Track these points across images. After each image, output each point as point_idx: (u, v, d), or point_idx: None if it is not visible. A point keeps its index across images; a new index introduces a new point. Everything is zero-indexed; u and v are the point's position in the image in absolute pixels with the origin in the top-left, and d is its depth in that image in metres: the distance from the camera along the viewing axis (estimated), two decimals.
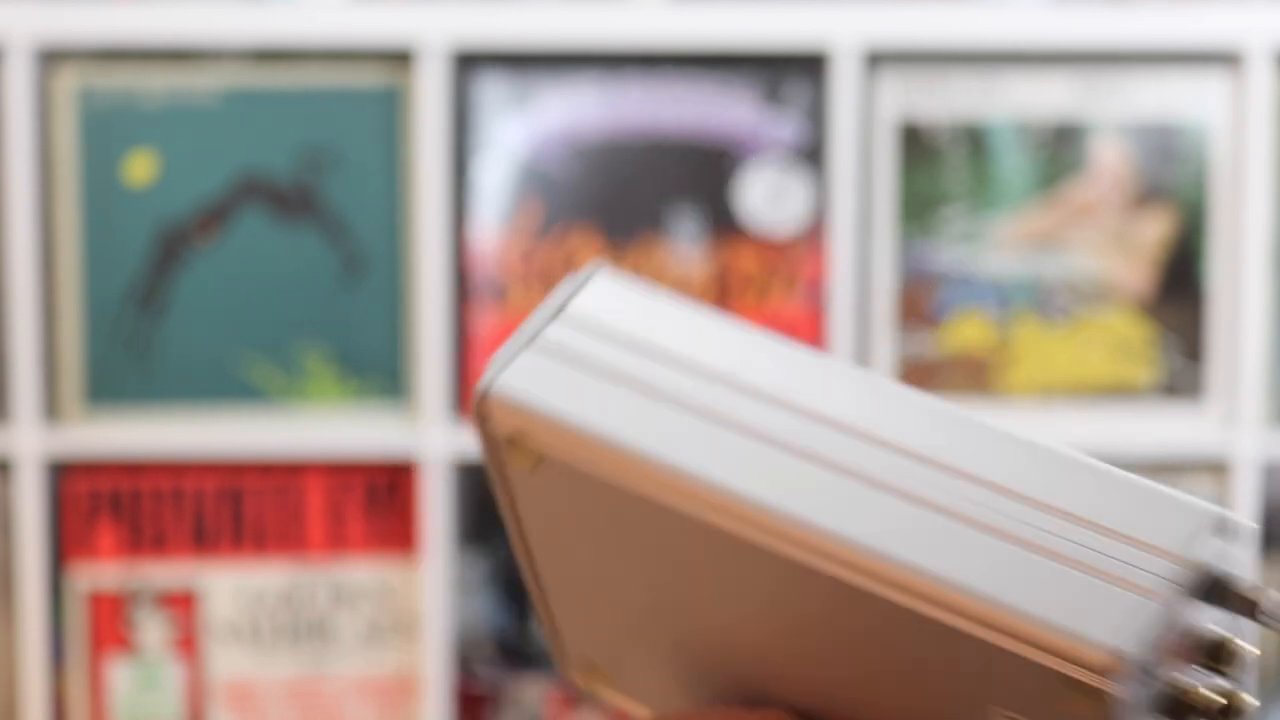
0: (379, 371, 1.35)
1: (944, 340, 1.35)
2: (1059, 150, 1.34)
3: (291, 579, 1.36)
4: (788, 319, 1.32)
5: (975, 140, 1.34)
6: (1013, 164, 1.34)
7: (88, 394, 1.34)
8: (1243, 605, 0.38)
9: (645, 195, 1.34)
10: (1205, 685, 0.37)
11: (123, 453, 1.34)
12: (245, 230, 1.34)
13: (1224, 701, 0.37)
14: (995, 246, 1.35)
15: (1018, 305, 1.35)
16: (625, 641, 0.47)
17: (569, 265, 1.32)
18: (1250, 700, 0.38)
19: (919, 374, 1.35)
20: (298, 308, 1.34)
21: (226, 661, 1.36)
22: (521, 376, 0.38)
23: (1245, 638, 0.38)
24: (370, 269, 1.35)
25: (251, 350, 1.34)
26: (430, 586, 1.34)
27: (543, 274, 1.33)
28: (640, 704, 0.51)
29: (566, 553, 0.41)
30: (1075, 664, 0.35)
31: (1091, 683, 0.35)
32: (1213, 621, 0.38)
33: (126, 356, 1.34)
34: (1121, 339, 1.35)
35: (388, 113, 1.34)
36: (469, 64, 1.33)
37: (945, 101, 1.34)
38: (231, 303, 1.34)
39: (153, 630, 1.36)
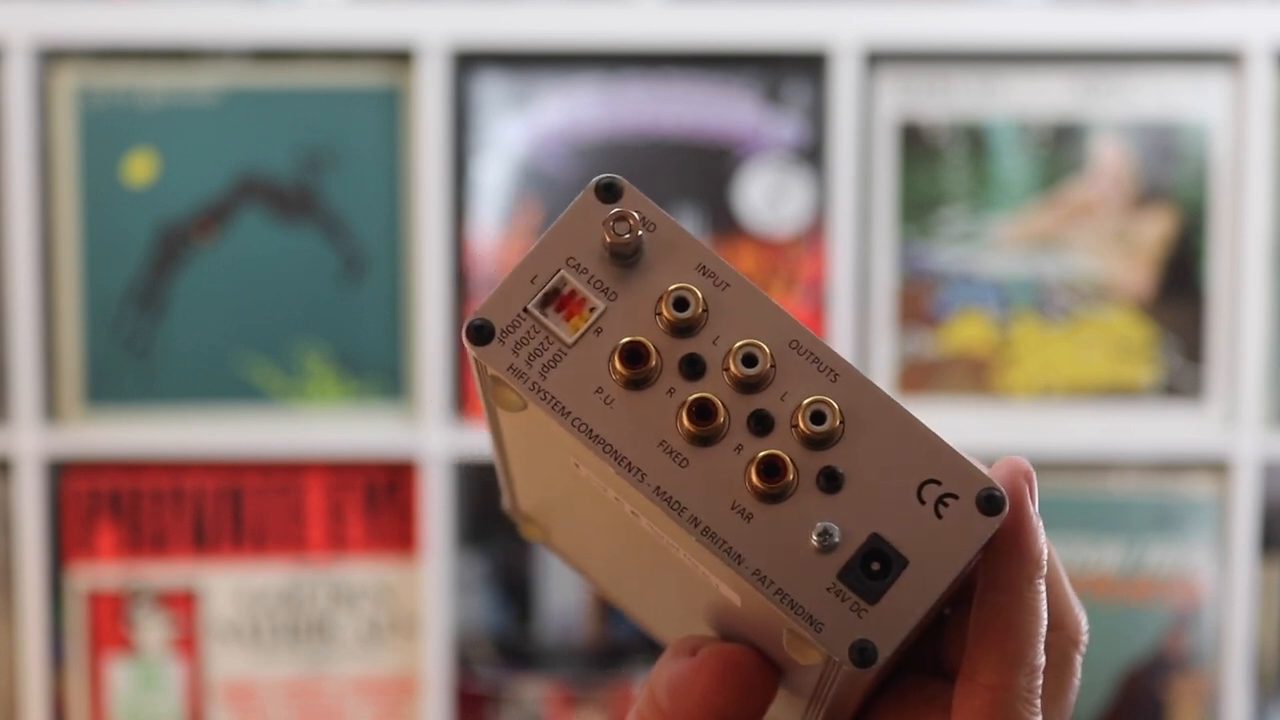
0: (379, 371, 1.35)
1: (944, 340, 1.35)
2: (1059, 150, 1.34)
3: (291, 579, 1.36)
4: None
5: (975, 140, 1.34)
6: (1013, 164, 1.34)
7: (88, 394, 1.34)
8: None
9: (646, 195, 1.34)
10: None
11: (123, 453, 1.34)
12: (245, 230, 1.34)
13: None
14: (995, 246, 1.35)
15: (1018, 305, 1.35)
16: (565, 525, 0.49)
17: None
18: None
19: (919, 374, 1.35)
20: (298, 308, 1.35)
21: (226, 661, 1.36)
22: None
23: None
24: (370, 269, 1.35)
25: (251, 350, 1.34)
26: (430, 586, 1.34)
27: None
28: (567, 560, 0.54)
29: (531, 449, 0.42)
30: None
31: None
32: None
33: (126, 356, 1.34)
34: (1121, 339, 1.35)
35: (388, 113, 1.34)
36: (469, 64, 1.33)
37: (945, 101, 1.34)
38: (231, 303, 1.34)
39: (153, 630, 1.36)
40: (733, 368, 0.36)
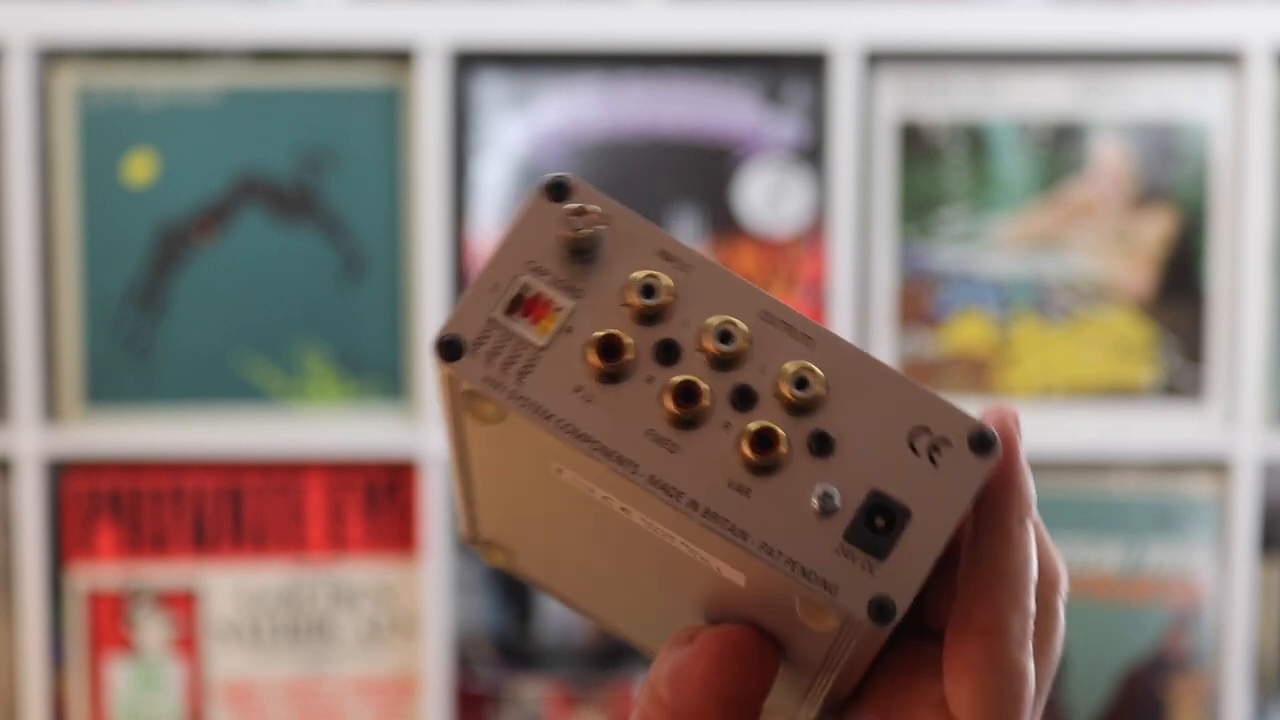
0: (379, 371, 1.35)
1: (944, 340, 1.35)
2: (1059, 150, 1.34)
3: (291, 579, 1.36)
4: None
5: (975, 140, 1.34)
6: (1013, 164, 1.34)
7: (88, 394, 1.34)
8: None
9: (645, 195, 1.34)
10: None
11: (123, 453, 1.34)
12: (245, 230, 1.34)
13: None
14: (995, 246, 1.35)
15: (1018, 305, 1.35)
16: (538, 544, 0.49)
17: None
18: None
19: (919, 374, 1.35)
20: (298, 308, 1.35)
21: (226, 661, 1.36)
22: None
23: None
24: (370, 269, 1.35)
25: (251, 350, 1.35)
26: (430, 586, 1.34)
27: None
28: (534, 582, 0.53)
29: (502, 466, 0.42)
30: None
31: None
32: None
33: (126, 356, 1.34)
34: (1121, 339, 1.35)
35: (388, 113, 1.34)
36: (469, 64, 1.33)
37: (945, 101, 1.34)
38: (231, 303, 1.34)
39: (153, 630, 1.36)
40: (709, 346, 0.36)
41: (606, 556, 0.45)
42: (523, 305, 0.37)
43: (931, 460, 0.36)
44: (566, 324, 0.37)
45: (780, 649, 0.39)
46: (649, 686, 0.39)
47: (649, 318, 0.37)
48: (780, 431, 0.36)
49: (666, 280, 0.37)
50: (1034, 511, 0.38)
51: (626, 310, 0.37)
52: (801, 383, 0.36)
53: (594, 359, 0.36)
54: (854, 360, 0.36)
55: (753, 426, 0.36)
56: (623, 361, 0.36)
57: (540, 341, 0.37)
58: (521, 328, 0.37)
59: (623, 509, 0.38)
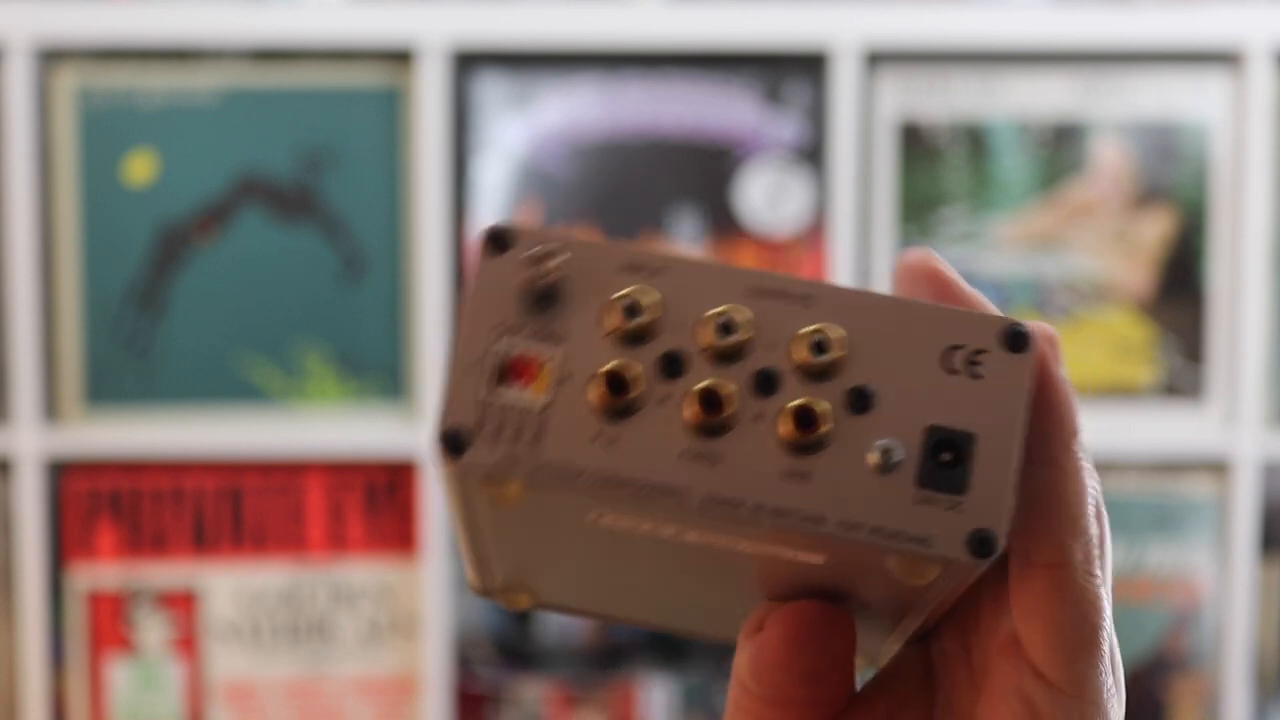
0: (379, 371, 1.35)
1: None
2: (1059, 150, 1.34)
3: (291, 579, 1.36)
4: None
5: (975, 140, 1.34)
6: (1013, 164, 1.34)
7: (88, 394, 1.34)
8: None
9: (645, 195, 1.34)
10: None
11: (123, 453, 1.34)
12: (245, 230, 1.34)
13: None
14: (995, 246, 1.35)
15: (1018, 305, 1.35)
16: (567, 575, 0.47)
17: None
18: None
19: None
20: (298, 308, 1.35)
21: (226, 661, 1.36)
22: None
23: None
24: (370, 269, 1.35)
25: (251, 350, 1.35)
26: (430, 586, 1.34)
27: None
28: (569, 610, 0.51)
29: (525, 533, 0.40)
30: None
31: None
32: None
33: (126, 356, 1.34)
34: (1121, 339, 1.35)
35: (388, 113, 1.34)
36: (469, 64, 1.33)
37: (945, 101, 1.34)
38: (231, 303, 1.34)
39: (153, 630, 1.36)
40: (712, 343, 0.34)
41: (652, 576, 0.43)
42: (510, 371, 0.35)
43: (972, 375, 0.34)
44: (560, 374, 0.34)
45: (850, 611, 0.38)
46: (734, 680, 0.39)
47: (640, 337, 0.34)
48: (818, 404, 0.34)
49: (646, 292, 0.35)
50: (1081, 434, 0.36)
51: (614, 337, 0.35)
52: (819, 346, 0.34)
53: (602, 399, 0.34)
54: (860, 303, 0.35)
55: (790, 408, 0.34)
56: (631, 393, 0.34)
57: (541, 402, 0.34)
58: (516, 395, 0.34)
59: (675, 533, 0.36)
